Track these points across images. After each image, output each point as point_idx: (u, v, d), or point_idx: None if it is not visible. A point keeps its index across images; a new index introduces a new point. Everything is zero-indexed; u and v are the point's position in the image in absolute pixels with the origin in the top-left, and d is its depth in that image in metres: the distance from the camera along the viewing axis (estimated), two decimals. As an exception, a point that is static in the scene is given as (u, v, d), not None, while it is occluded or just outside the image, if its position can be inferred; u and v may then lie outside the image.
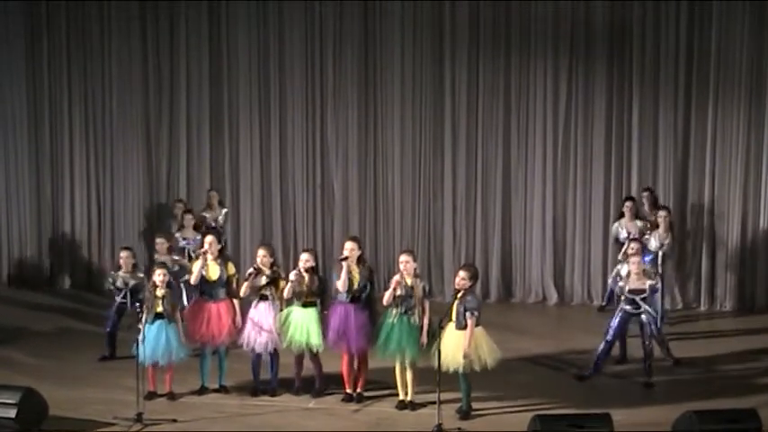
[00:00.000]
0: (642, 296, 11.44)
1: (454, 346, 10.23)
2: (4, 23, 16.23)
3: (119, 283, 12.50)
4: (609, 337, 11.65)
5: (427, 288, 10.78)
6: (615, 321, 11.62)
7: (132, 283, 12.43)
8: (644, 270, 11.67)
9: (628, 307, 11.52)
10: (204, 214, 14.93)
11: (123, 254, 12.68)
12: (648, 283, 11.52)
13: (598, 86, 15.31)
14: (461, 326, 10.27)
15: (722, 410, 9.63)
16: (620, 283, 11.65)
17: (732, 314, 14.94)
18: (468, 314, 10.25)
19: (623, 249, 13.00)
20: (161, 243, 13.19)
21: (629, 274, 11.59)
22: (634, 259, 11.60)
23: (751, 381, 11.71)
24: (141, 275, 12.50)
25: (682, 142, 15.20)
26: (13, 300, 15.65)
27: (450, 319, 10.34)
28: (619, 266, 12.34)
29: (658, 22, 15.05)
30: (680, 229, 15.14)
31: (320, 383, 11.13)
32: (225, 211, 15.21)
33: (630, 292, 11.45)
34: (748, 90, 14.86)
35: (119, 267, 12.64)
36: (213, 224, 14.74)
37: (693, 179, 15.22)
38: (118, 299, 12.50)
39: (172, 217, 15.11)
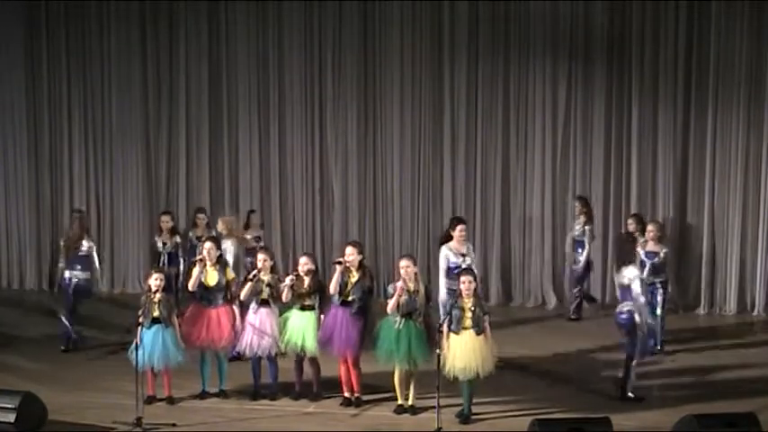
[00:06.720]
0: (655, 261, 11.43)
1: (474, 351, 10.19)
2: (4, 25, 16.26)
3: (159, 245, 13.80)
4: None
5: (429, 290, 10.74)
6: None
7: (170, 245, 13.73)
8: (659, 237, 11.67)
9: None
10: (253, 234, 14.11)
11: (164, 218, 14.02)
12: (664, 250, 11.55)
13: (597, 89, 15.31)
14: (482, 330, 10.28)
15: (722, 414, 9.62)
16: (638, 248, 11.83)
17: (732, 317, 14.94)
18: (486, 317, 10.30)
19: (644, 238, 12.90)
20: (166, 221, 13.88)
21: (645, 241, 11.78)
22: (651, 227, 11.66)
23: (750, 385, 11.69)
24: (178, 240, 13.81)
25: (681, 145, 15.19)
26: (12, 303, 15.65)
27: (464, 326, 10.28)
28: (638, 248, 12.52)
29: (657, 24, 15.04)
30: (680, 231, 15.16)
31: (318, 387, 11.10)
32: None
33: (647, 254, 11.51)
34: (747, 92, 14.86)
35: (160, 231, 13.95)
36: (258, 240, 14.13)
37: (693, 182, 15.21)
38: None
39: (192, 226, 14.13)
